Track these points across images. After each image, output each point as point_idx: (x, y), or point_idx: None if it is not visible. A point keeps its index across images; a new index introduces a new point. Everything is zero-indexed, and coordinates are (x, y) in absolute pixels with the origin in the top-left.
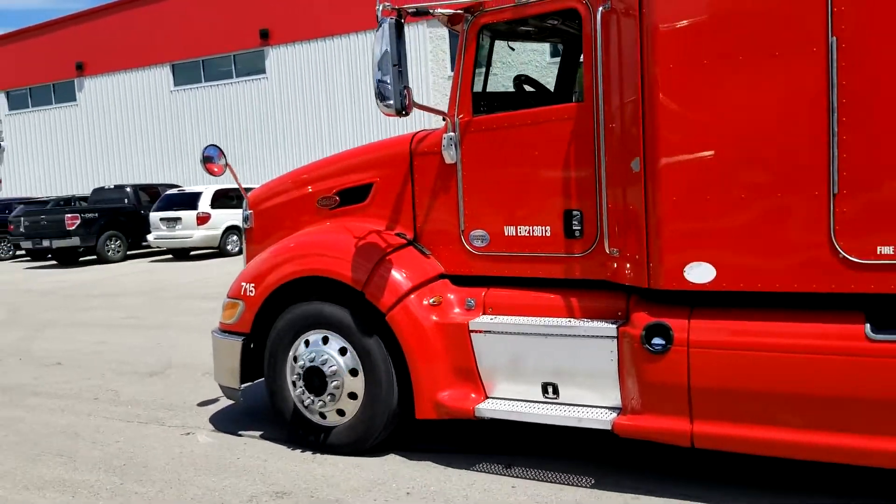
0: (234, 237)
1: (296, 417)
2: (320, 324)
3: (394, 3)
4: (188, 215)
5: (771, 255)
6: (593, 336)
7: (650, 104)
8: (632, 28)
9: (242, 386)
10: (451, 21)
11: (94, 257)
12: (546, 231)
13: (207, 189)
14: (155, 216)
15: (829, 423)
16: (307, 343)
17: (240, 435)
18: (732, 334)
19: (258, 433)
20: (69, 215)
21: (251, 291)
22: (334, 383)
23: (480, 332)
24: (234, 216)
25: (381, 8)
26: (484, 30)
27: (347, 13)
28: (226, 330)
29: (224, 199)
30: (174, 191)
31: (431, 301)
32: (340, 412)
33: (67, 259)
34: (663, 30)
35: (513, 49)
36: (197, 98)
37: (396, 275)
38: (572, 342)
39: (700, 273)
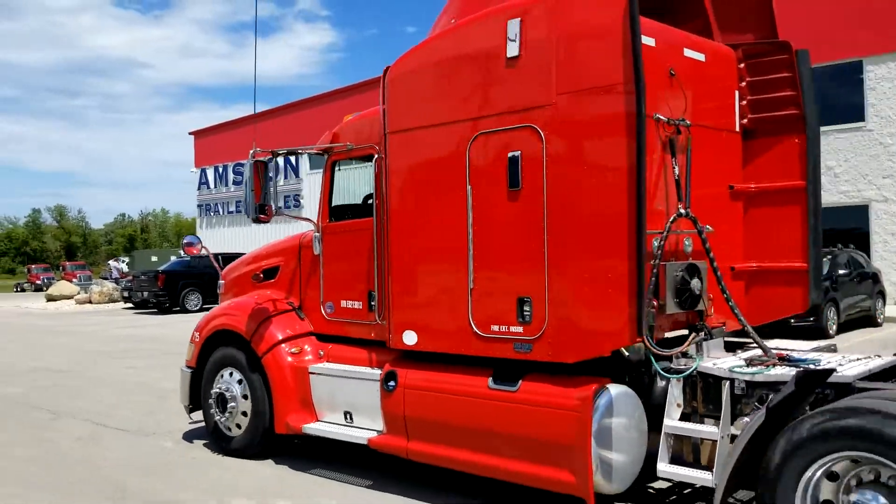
0: None
1: (214, 429)
2: (230, 363)
3: (266, 146)
4: None
5: (442, 328)
6: (366, 379)
7: (388, 220)
8: (382, 169)
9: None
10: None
11: None
12: (359, 305)
13: None
14: None
15: (481, 447)
16: (231, 374)
17: (192, 442)
18: (424, 380)
19: (203, 442)
20: None
21: (197, 337)
22: (231, 406)
23: (314, 373)
24: None
25: (252, 152)
26: (336, 164)
27: None
28: (186, 365)
29: None
30: None
31: (293, 350)
32: (236, 427)
33: None
34: (391, 172)
35: None
36: None
37: (273, 330)
38: (357, 383)
39: (410, 337)
